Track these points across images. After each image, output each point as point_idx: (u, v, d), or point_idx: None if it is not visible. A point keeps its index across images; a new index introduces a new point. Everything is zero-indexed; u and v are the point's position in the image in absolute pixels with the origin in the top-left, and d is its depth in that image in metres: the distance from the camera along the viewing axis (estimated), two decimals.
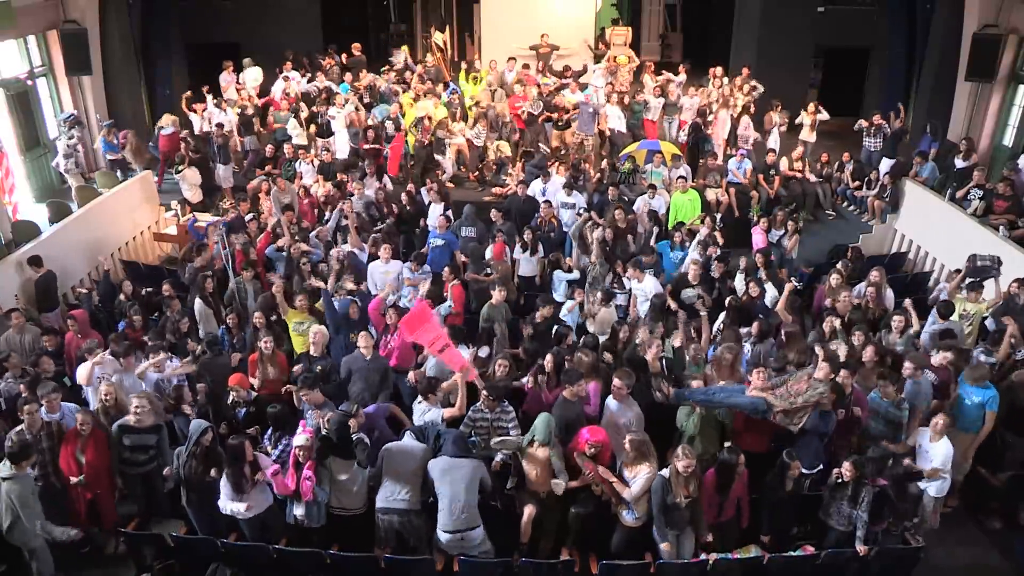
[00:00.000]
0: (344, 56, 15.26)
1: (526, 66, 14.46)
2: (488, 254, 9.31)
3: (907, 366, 6.50)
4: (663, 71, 14.09)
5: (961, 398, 6.50)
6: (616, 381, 6.12)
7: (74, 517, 6.13)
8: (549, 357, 6.54)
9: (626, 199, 10.93)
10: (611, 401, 6.20)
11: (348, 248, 9.25)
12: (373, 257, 9.09)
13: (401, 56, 15.75)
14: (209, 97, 13.11)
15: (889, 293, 8.43)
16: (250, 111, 13.04)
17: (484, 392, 6.06)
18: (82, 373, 6.81)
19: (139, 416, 6.05)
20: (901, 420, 6.30)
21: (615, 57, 14.65)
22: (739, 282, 8.44)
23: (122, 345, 6.90)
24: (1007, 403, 6.46)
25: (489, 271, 9.02)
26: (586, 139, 12.39)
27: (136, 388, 6.68)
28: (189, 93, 13.22)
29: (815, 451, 6.02)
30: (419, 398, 6.28)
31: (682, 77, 13.87)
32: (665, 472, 5.45)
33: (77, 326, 7.60)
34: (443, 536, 5.44)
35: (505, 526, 5.75)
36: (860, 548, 5.46)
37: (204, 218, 11.08)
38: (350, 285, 8.11)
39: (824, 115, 12.52)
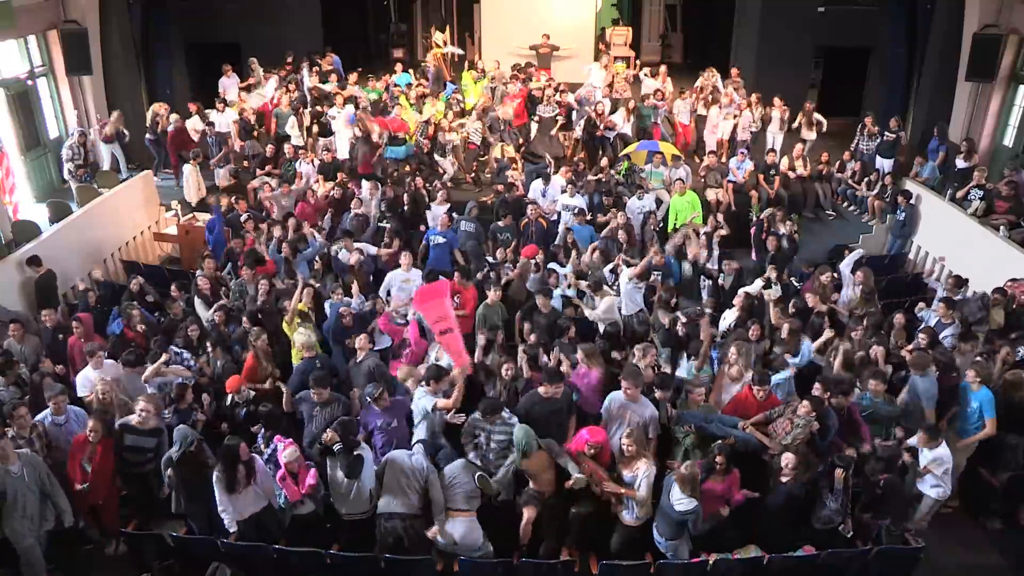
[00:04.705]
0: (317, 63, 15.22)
1: (530, 64, 14.49)
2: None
3: (913, 363, 6.51)
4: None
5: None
6: (624, 383, 6.07)
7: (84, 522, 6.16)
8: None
9: (625, 199, 10.94)
10: (623, 399, 6.12)
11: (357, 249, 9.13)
12: (394, 266, 8.90)
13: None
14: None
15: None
16: (249, 116, 13.03)
17: (480, 409, 5.98)
18: (83, 384, 6.79)
19: (142, 418, 6.05)
20: (894, 414, 6.33)
21: (612, 62, 14.63)
22: (755, 285, 8.46)
23: (132, 355, 6.83)
24: (1004, 404, 6.45)
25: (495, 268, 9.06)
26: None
27: (139, 391, 6.64)
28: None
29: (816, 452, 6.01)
30: (423, 383, 6.23)
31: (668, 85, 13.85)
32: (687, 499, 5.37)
33: (82, 329, 7.53)
34: (439, 536, 5.45)
35: (505, 526, 5.74)
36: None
37: (203, 218, 11.09)
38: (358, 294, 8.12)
39: (818, 121, 12.51)
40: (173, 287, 8.45)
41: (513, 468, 5.75)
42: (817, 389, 6.23)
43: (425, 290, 6.66)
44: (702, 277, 9.14)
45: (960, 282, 8.42)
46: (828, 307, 7.97)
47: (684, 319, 7.46)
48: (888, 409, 6.37)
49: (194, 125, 12.61)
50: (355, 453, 5.58)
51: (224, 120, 12.73)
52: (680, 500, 5.32)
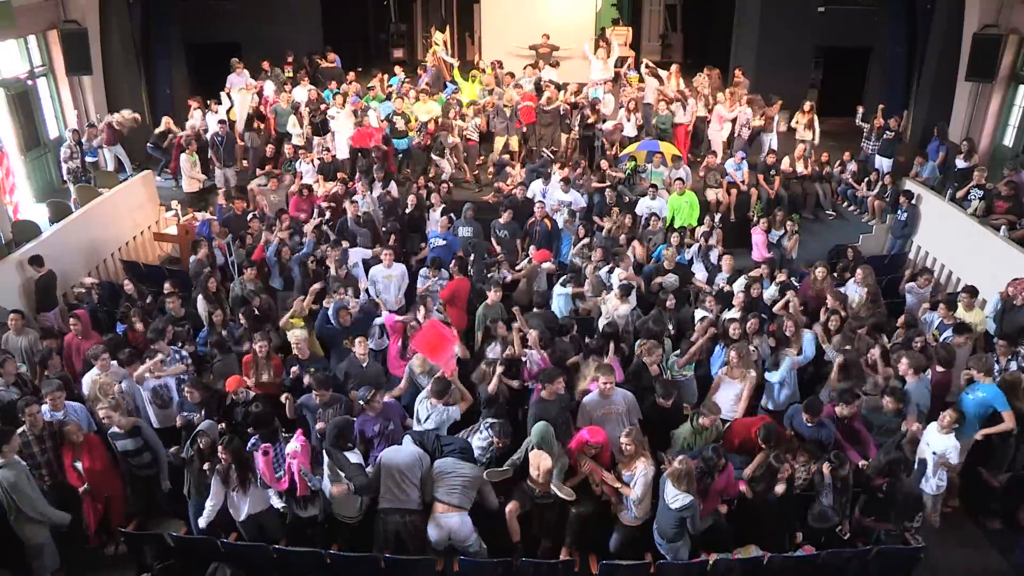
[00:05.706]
0: (317, 62, 15.18)
1: (527, 66, 14.47)
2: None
3: (903, 365, 6.50)
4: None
5: (963, 395, 6.51)
6: (602, 378, 6.12)
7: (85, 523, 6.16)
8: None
9: (626, 199, 10.93)
10: (599, 400, 6.15)
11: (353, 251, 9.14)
12: (375, 261, 8.97)
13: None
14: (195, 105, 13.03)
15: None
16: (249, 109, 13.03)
17: (497, 439, 5.93)
18: (87, 385, 6.79)
19: (110, 422, 6.07)
20: (897, 427, 6.30)
21: (624, 66, 14.62)
22: (740, 282, 8.47)
23: (125, 354, 6.83)
24: None
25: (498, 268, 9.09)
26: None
27: (135, 392, 6.71)
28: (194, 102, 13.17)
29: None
30: (431, 399, 6.23)
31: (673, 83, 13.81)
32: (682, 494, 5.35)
33: (79, 326, 7.52)
34: (432, 532, 5.46)
35: (504, 527, 5.74)
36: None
37: (203, 218, 11.06)
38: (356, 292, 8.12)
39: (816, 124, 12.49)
40: (167, 284, 8.40)
41: (522, 456, 5.74)
42: (807, 418, 6.10)
43: (426, 339, 6.58)
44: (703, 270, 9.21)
45: (926, 272, 8.75)
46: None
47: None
48: (894, 422, 6.34)
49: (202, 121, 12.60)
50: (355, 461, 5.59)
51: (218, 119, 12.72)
52: (675, 497, 5.31)
